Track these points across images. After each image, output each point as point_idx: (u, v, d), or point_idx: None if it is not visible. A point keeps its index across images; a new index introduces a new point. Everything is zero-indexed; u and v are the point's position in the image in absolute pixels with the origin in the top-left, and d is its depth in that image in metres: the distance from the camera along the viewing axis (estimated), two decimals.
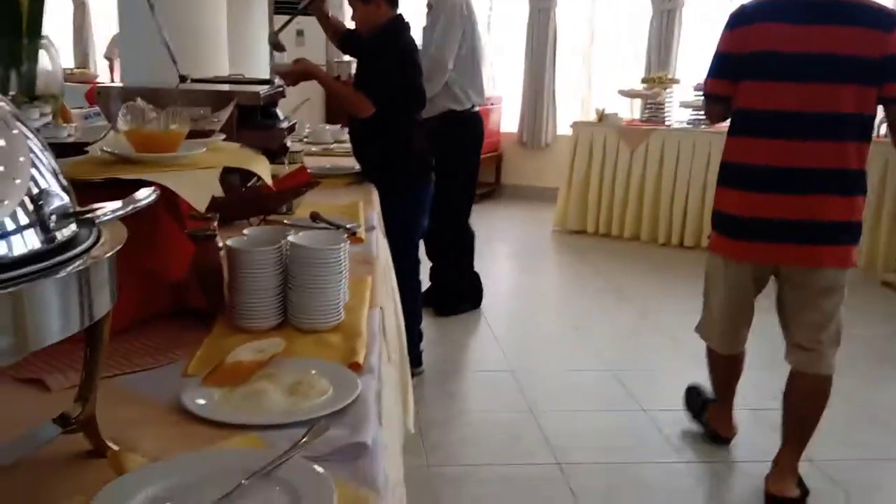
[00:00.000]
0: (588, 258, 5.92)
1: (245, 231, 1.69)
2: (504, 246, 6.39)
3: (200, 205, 1.49)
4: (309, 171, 2.69)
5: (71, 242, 0.84)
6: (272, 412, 1.19)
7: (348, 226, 2.34)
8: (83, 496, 0.93)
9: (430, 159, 3.56)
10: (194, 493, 0.94)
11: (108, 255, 0.87)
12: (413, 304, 3.40)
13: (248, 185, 2.26)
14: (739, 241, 2.82)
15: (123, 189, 1.01)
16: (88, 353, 1.02)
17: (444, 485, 2.77)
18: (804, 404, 2.82)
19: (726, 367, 3.12)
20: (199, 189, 1.51)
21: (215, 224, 1.74)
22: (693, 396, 3.39)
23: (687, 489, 2.92)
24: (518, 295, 5.20)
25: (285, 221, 2.34)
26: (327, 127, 4.60)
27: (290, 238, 1.53)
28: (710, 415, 3.26)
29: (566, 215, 6.69)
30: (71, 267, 0.80)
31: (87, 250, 0.85)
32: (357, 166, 3.40)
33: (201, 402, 1.20)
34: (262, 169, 1.84)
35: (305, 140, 4.27)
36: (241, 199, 2.19)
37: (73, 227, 0.85)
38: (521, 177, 8.45)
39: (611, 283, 5.29)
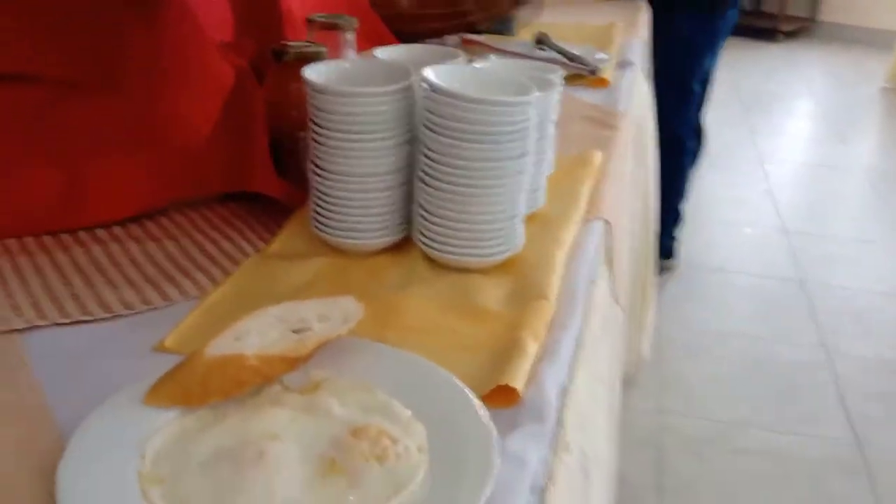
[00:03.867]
0: None
1: (378, 52, 0.92)
2: (811, 103, 5.04)
3: None
4: None
5: None
6: None
7: (595, 57, 1.49)
8: None
9: None
10: None
11: None
12: (678, 176, 2.47)
13: None
14: None
15: None
16: None
17: (678, 446, 1.97)
18: None
19: None
20: None
21: (347, 36, 1.01)
22: None
23: None
24: (817, 168, 3.97)
25: (493, 45, 1.53)
26: None
27: (429, 73, 0.74)
28: None
29: None
30: None
31: None
32: None
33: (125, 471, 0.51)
34: None
35: None
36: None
37: None
38: (846, 13, 6.73)
39: None
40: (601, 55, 1.51)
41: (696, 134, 2.58)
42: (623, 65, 1.55)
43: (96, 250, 0.76)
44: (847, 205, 3.49)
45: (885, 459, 1.92)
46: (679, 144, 2.36)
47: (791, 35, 6.22)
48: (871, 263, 2.92)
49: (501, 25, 1.65)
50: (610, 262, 0.98)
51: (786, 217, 3.23)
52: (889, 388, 2.20)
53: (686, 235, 2.77)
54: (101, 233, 0.79)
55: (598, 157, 1.05)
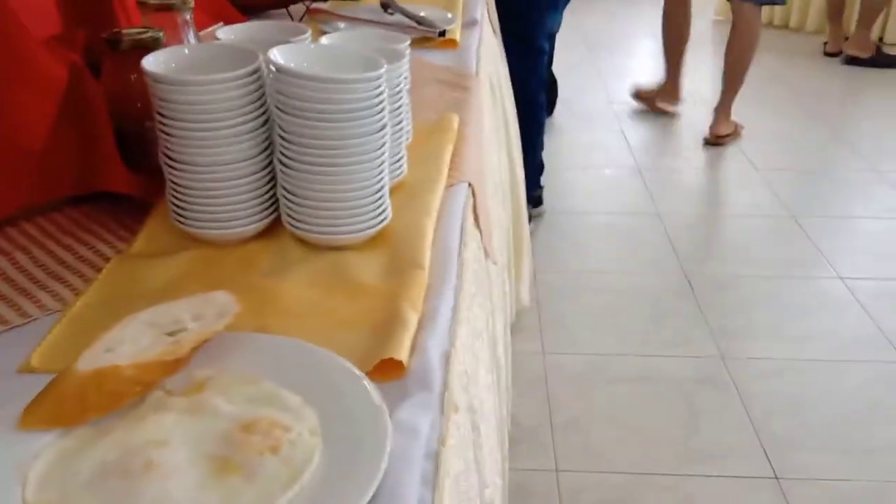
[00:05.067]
0: (758, 57, 4.76)
1: (220, 33, 0.90)
2: (646, 40, 5.26)
3: None
4: None
5: None
6: None
7: (442, 17, 1.50)
8: None
9: None
10: None
11: None
12: (535, 130, 2.54)
13: None
14: None
15: None
16: None
17: (563, 383, 2.07)
18: None
19: None
20: None
21: (185, 17, 0.98)
22: None
23: None
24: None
25: (339, 12, 1.51)
26: None
27: (275, 55, 0.73)
28: None
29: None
30: None
31: None
32: None
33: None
34: None
35: None
36: None
37: None
38: None
39: (791, 90, 4.17)
40: (447, 15, 1.52)
41: (548, 86, 2.66)
42: (470, 24, 1.57)
43: None
44: (690, 137, 3.68)
45: (747, 371, 2.07)
46: (533, 99, 2.42)
47: None
48: (719, 189, 3.12)
49: None
50: (476, 221, 1.00)
51: (638, 155, 3.38)
52: (741, 301, 2.38)
53: (549, 181, 2.86)
54: None
55: (455, 120, 1.06)
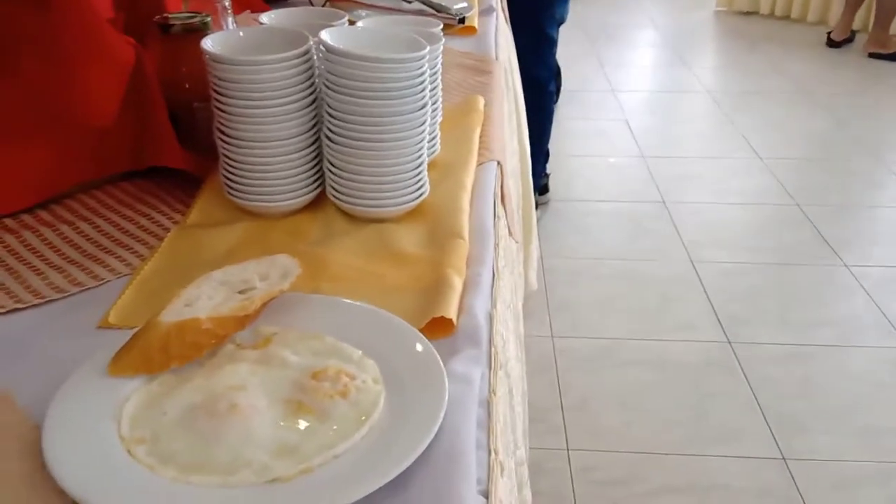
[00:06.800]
0: (759, 47, 4.81)
1: (263, 18, 0.94)
2: (650, 31, 5.30)
3: None
4: None
5: None
6: (246, 472, 0.51)
7: (457, 6, 1.54)
8: None
9: None
10: None
11: None
12: (544, 118, 2.58)
13: None
14: None
15: None
16: None
17: (572, 366, 2.12)
18: None
19: None
20: None
21: (225, 2, 1.02)
22: None
23: None
24: (665, 93, 4.23)
25: (360, 0, 1.55)
26: None
27: (326, 36, 0.77)
28: None
29: None
30: None
31: None
32: None
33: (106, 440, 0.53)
34: None
35: None
36: None
37: None
38: None
39: (793, 81, 4.22)
40: (463, 4, 1.57)
41: (555, 75, 2.69)
42: (486, 12, 1.62)
43: (9, 240, 0.76)
44: (695, 126, 3.73)
45: (753, 354, 2.13)
46: (540, 87, 2.47)
47: None
48: (723, 177, 3.16)
49: None
50: (502, 199, 1.05)
51: (642, 143, 3.43)
52: (748, 287, 2.43)
53: (554, 170, 2.90)
54: (9, 222, 0.79)
55: (481, 102, 1.11)
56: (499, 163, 1.00)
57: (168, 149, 0.81)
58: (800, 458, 1.79)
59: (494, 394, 0.60)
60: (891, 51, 4.39)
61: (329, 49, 0.76)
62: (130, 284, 0.70)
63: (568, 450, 1.83)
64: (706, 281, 2.45)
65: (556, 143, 2.94)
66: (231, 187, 0.81)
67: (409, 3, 1.57)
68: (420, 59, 0.76)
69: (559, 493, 1.72)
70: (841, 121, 3.72)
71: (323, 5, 1.57)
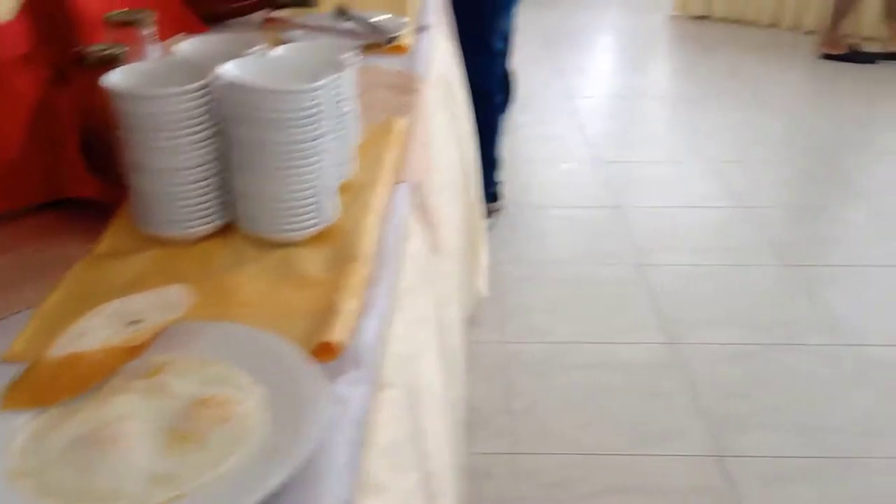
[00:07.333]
0: (714, 51, 4.89)
1: (181, 46, 0.97)
2: (605, 35, 5.37)
3: None
4: None
5: None
6: (123, 502, 0.54)
7: (396, 23, 1.57)
8: None
9: None
10: None
11: None
12: (491, 128, 2.61)
13: None
14: None
15: None
16: None
17: (522, 370, 2.16)
18: None
19: None
20: None
21: (146, 31, 1.04)
22: None
23: None
24: (620, 98, 4.29)
25: (296, 21, 1.58)
26: None
27: (226, 70, 0.80)
28: None
29: None
30: None
31: None
32: None
33: None
34: None
35: None
36: None
37: None
38: None
39: (747, 85, 4.29)
40: (402, 20, 1.60)
41: (504, 85, 2.72)
42: (421, 29, 1.65)
43: None
44: (651, 130, 3.79)
45: (698, 355, 2.18)
46: (487, 99, 2.48)
47: None
48: (676, 181, 3.22)
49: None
50: (423, 218, 1.08)
51: (598, 148, 3.48)
52: (698, 290, 2.49)
53: (508, 176, 2.94)
54: None
55: (400, 123, 1.14)
56: (414, 183, 1.03)
57: (76, 178, 0.84)
58: (736, 455, 1.84)
59: (371, 414, 0.64)
60: (842, 52, 4.48)
61: (224, 80, 0.79)
62: (34, 316, 0.72)
63: (514, 454, 1.87)
64: (657, 284, 2.50)
65: (512, 148, 2.98)
66: (138, 215, 0.84)
67: (345, 23, 1.60)
68: (314, 91, 0.79)
69: (504, 497, 1.76)
70: (794, 123, 3.80)
71: (259, 28, 1.60)
